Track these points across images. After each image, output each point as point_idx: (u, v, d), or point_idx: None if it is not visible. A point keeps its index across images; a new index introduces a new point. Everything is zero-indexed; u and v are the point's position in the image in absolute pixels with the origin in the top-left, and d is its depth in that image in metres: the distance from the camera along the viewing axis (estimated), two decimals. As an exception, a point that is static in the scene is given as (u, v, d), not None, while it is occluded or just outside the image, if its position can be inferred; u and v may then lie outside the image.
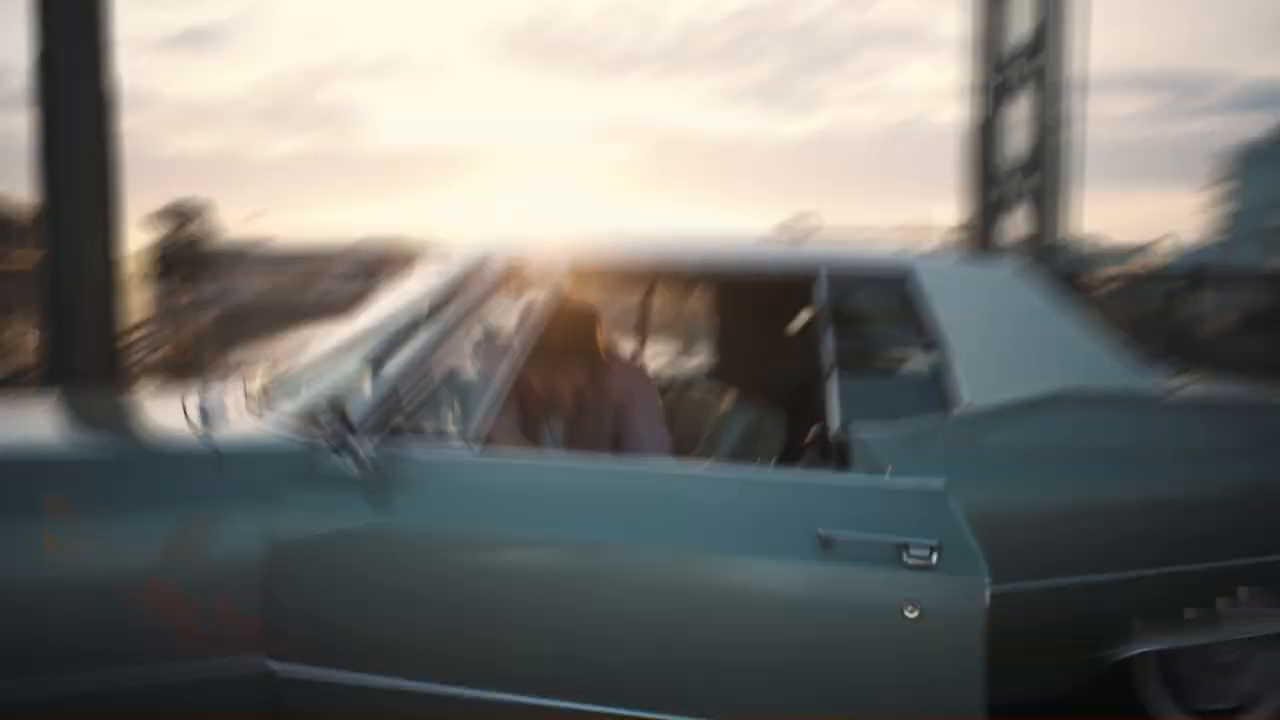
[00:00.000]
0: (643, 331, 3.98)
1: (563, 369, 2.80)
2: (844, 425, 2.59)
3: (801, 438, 2.78)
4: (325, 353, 2.80)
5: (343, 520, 2.21)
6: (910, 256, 2.91)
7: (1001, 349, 2.82)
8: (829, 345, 2.65)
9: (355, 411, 2.25)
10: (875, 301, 2.90)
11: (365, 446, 2.19)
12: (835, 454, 2.60)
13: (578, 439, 2.89)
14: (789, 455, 2.86)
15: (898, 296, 2.83)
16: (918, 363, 2.83)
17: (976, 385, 2.73)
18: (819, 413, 2.65)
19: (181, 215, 10.52)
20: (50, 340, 6.26)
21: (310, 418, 2.34)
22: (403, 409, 2.25)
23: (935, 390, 2.74)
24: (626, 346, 3.81)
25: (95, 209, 6.39)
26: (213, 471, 2.25)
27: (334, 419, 2.19)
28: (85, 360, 6.22)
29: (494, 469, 2.31)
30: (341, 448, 2.18)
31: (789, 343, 3.29)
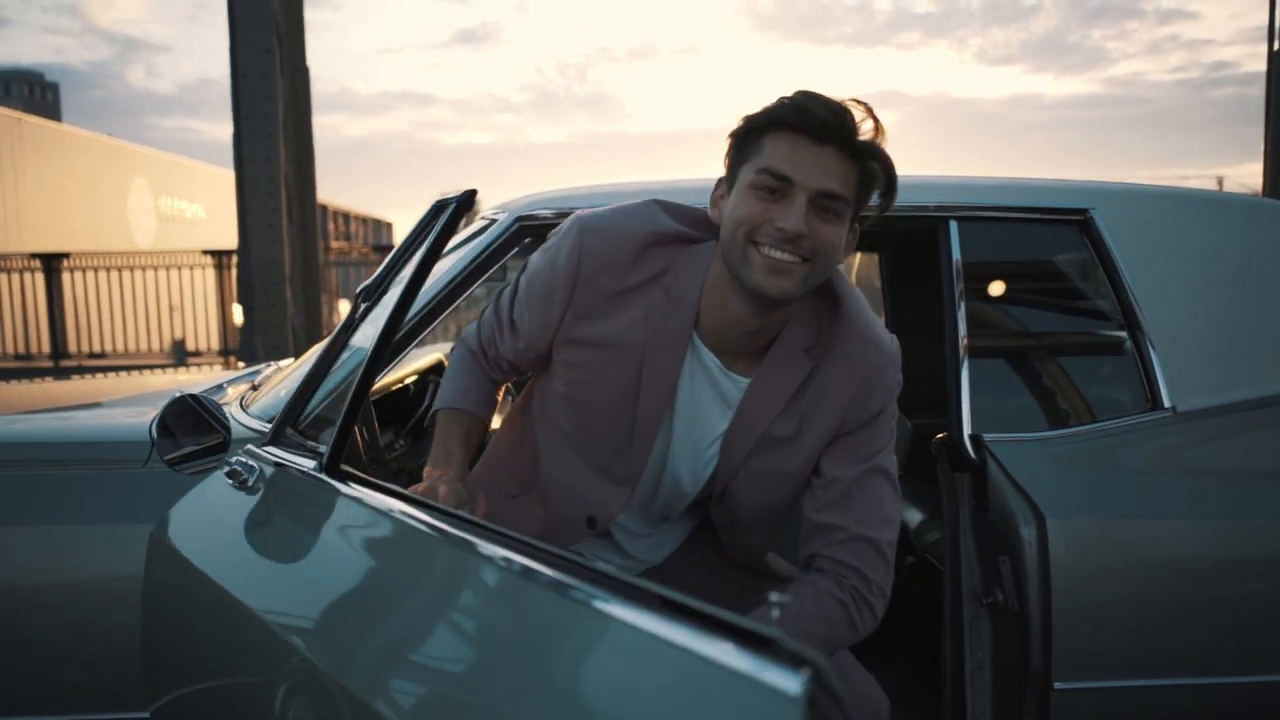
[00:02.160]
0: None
1: None
2: (975, 430, 1.83)
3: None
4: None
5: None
6: (1091, 186, 2.06)
7: (1225, 326, 1.93)
8: (959, 321, 1.89)
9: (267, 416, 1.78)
10: (1032, 254, 2.08)
11: (256, 457, 1.67)
12: (969, 467, 1.85)
13: None
14: (915, 464, 2.12)
15: (1067, 247, 2.00)
16: (1094, 341, 2.00)
17: (1183, 377, 1.86)
18: (953, 410, 1.90)
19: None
20: (246, 324, 6.36)
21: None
22: (300, 420, 1.73)
23: (1120, 383, 1.91)
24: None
25: (289, 204, 6.44)
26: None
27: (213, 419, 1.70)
28: (280, 342, 6.32)
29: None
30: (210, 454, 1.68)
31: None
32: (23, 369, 9.60)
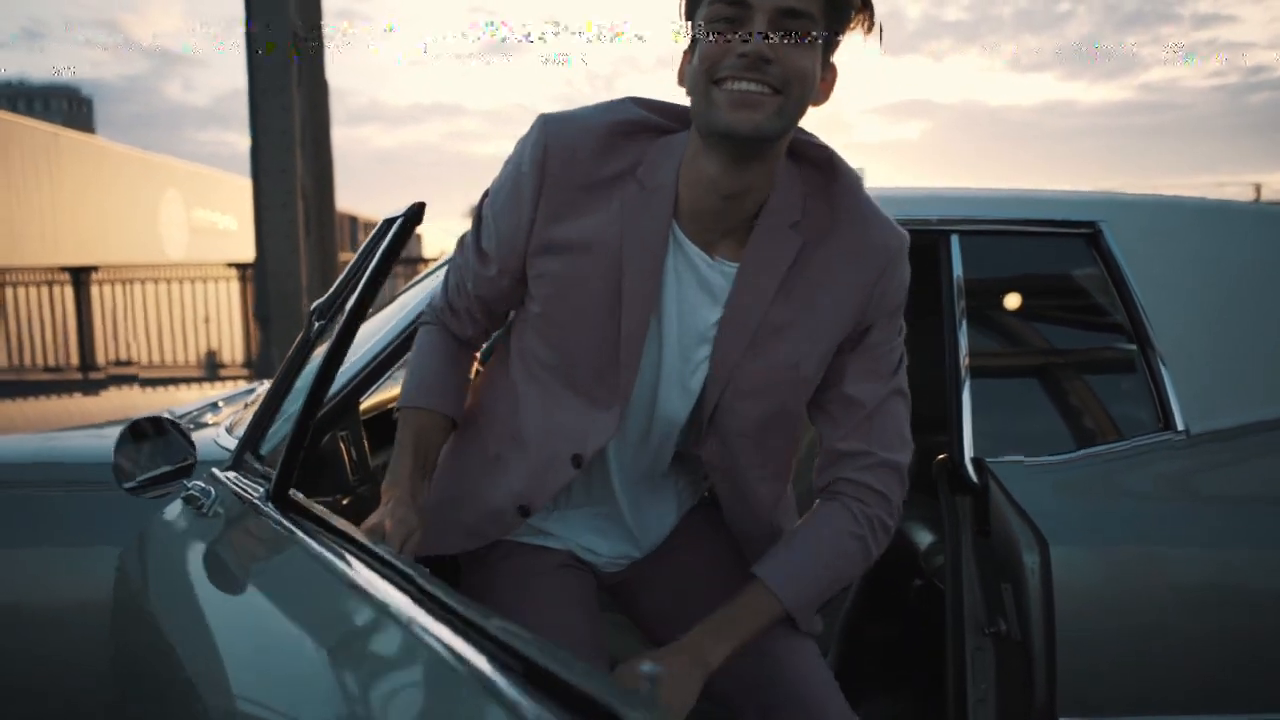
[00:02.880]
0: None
1: None
2: (977, 452, 1.75)
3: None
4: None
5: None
6: (1099, 197, 1.97)
7: (1242, 342, 1.84)
8: (960, 339, 1.82)
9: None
10: (1038, 269, 2.00)
11: (215, 482, 1.62)
12: (970, 490, 1.77)
13: None
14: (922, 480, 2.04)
15: (1076, 261, 1.92)
16: (1103, 359, 1.92)
17: (1197, 397, 1.78)
18: (953, 431, 1.83)
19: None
20: (263, 337, 6.36)
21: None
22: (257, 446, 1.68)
23: (1130, 403, 1.83)
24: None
25: (306, 217, 6.46)
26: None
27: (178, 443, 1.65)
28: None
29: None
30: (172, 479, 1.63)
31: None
32: (52, 381, 9.69)
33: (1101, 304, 1.90)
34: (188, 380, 9.63)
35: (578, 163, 1.32)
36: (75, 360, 9.98)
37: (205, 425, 2.12)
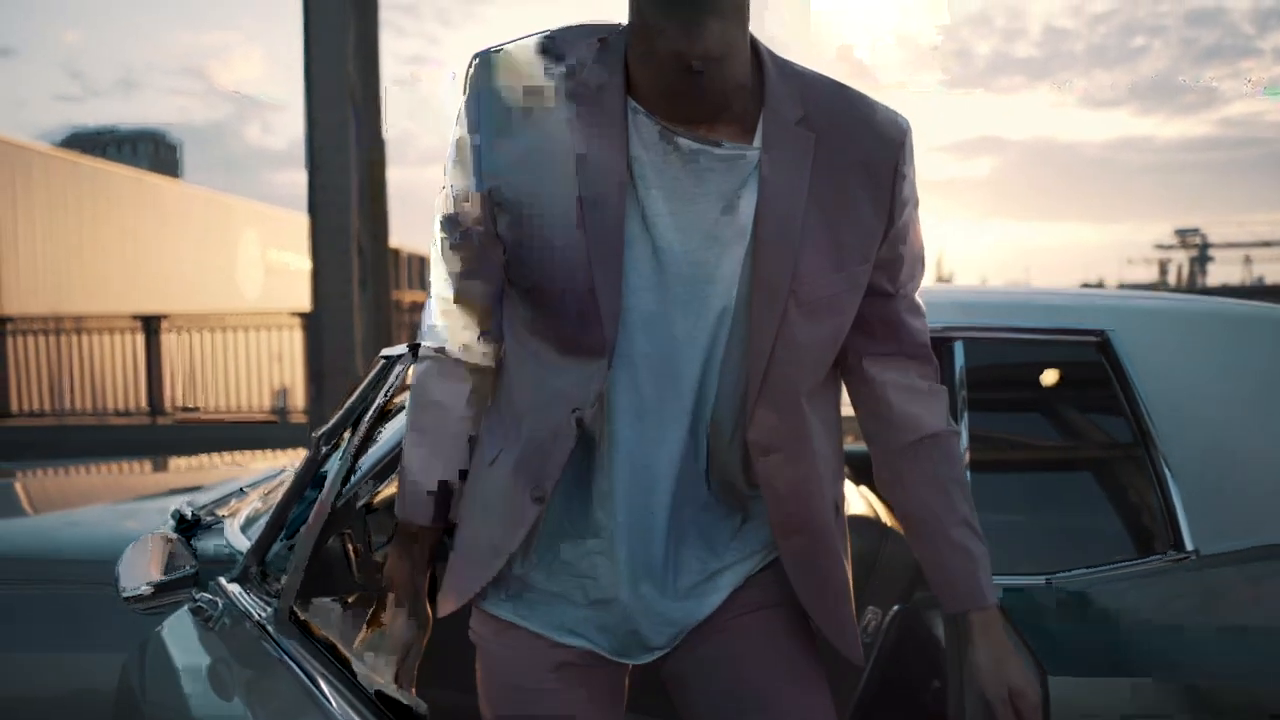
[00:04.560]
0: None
1: None
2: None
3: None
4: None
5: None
6: (1111, 303, 1.93)
7: (1259, 459, 1.78)
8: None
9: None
10: (1044, 377, 1.96)
11: (222, 594, 1.66)
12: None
13: None
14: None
15: (1085, 369, 1.88)
16: (1111, 472, 1.87)
17: (1208, 516, 1.72)
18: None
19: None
20: (314, 392, 6.48)
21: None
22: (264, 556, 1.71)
23: (1138, 520, 1.78)
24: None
25: (362, 273, 6.58)
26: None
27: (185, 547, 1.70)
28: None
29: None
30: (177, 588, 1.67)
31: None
32: (123, 425, 10.00)
33: (1110, 415, 1.86)
34: (252, 424, 9.87)
35: (511, 72, 1.21)
36: (145, 405, 10.29)
37: (221, 520, 2.16)
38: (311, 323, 6.78)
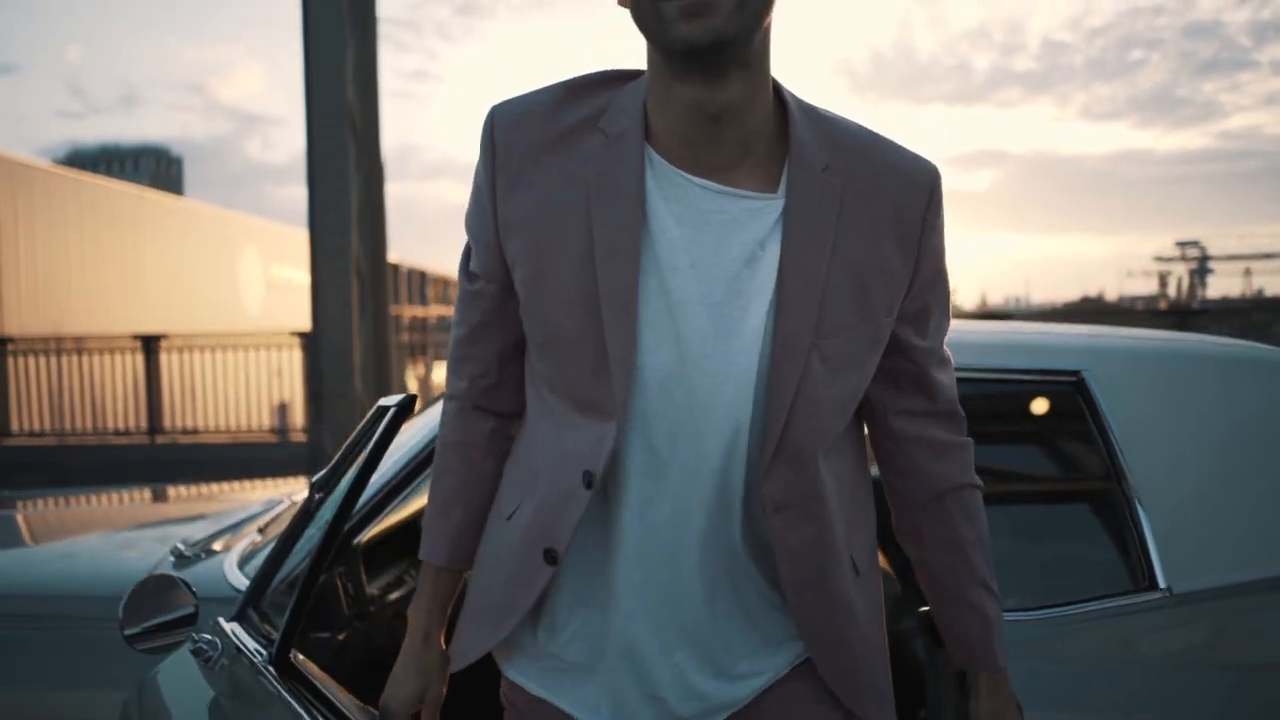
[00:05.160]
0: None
1: None
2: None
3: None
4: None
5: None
6: (1085, 343, 1.97)
7: (1232, 497, 1.82)
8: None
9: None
10: (1019, 416, 2.01)
11: (220, 634, 1.70)
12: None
13: None
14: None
15: (1061, 408, 1.93)
16: (1084, 510, 1.91)
17: (1181, 554, 1.76)
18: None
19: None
20: (314, 414, 6.53)
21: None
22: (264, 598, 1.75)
23: (1111, 558, 1.82)
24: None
25: (361, 296, 6.63)
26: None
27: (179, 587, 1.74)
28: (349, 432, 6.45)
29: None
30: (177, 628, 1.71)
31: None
32: (123, 445, 10.05)
33: (1084, 454, 1.90)
34: (251, 444, 9.91)
35: (527, 127, 1.18)
36: (144, 424, 10.33)
37: (218, 555, 2.20)
38: (310, 344, 6.84)
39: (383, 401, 1.55)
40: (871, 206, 1.16)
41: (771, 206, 1.14)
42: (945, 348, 1.30)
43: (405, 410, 1.50)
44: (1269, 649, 1.75)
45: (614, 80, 1.20)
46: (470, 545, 1.33)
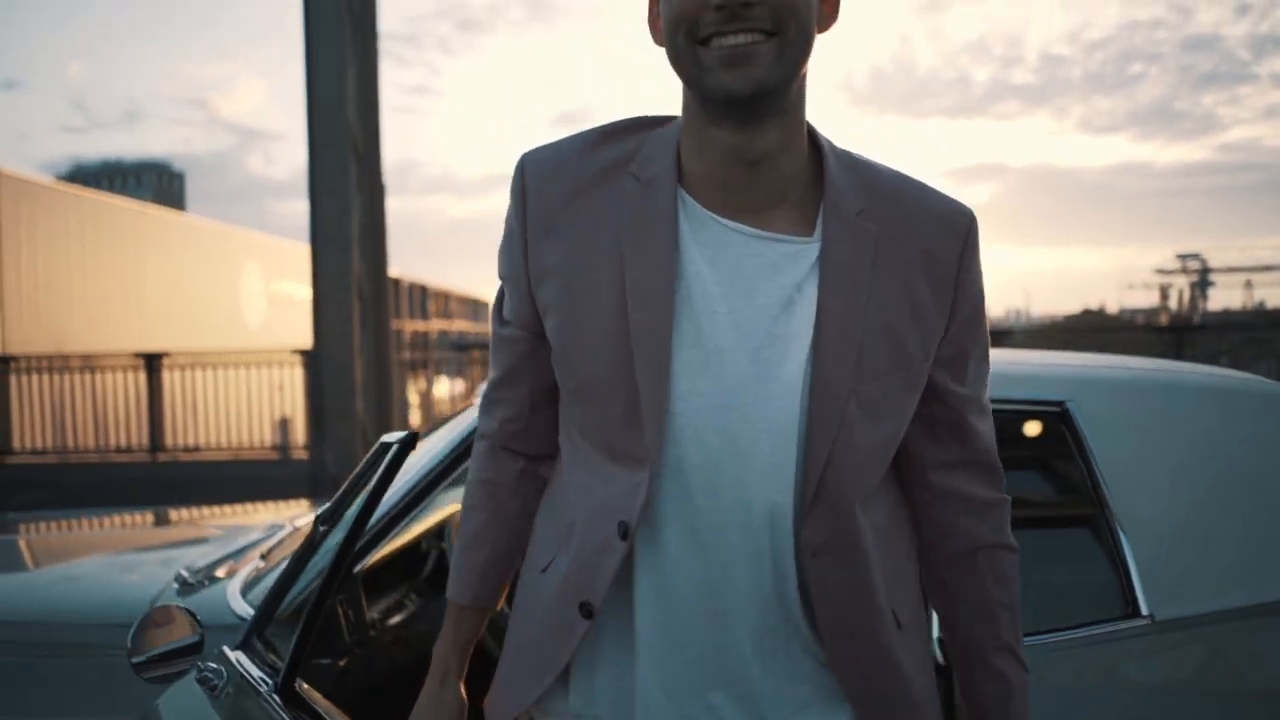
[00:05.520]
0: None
1: None
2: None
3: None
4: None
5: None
6: (1071, 373, 2.02)
7: (1214, 525, 1.86)
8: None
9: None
10: (1006, 448, 2.04)
11: (226, 662, 1.74)
12: (939, 671, 1.81)
13: None
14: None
15: (1047, 437, 1.97)
16: (1067, 538, 1.95)
17: (1164, 581, 1.80)
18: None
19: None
20: (315, 433, 6.56)
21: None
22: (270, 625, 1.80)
23: (1094, 586, 1.85)
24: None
25: (362, 315, 6.67)
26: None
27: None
28: (349, 450, 6.50)
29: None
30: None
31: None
32: (124, 463, 10.09)
33: (1068, 483, 1.94)
34: (253, 461, 9.95)
35: (558, 173, 1.18)
36: (146, 442, 10.38)
37: (221, 581, 2.24)
38: (313, 364, 6.90)
39: (385, 438, 1.60)
40: (906, 251, 1.16)
41: (807, 250, 1.14)
42: (986, 396, 1.27)
43: (407, 447, 1.55)
44: (1251, 676, 1.79)
45: (644, 125, 1.20)
46: (494, 584, 1.33)
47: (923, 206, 1.18)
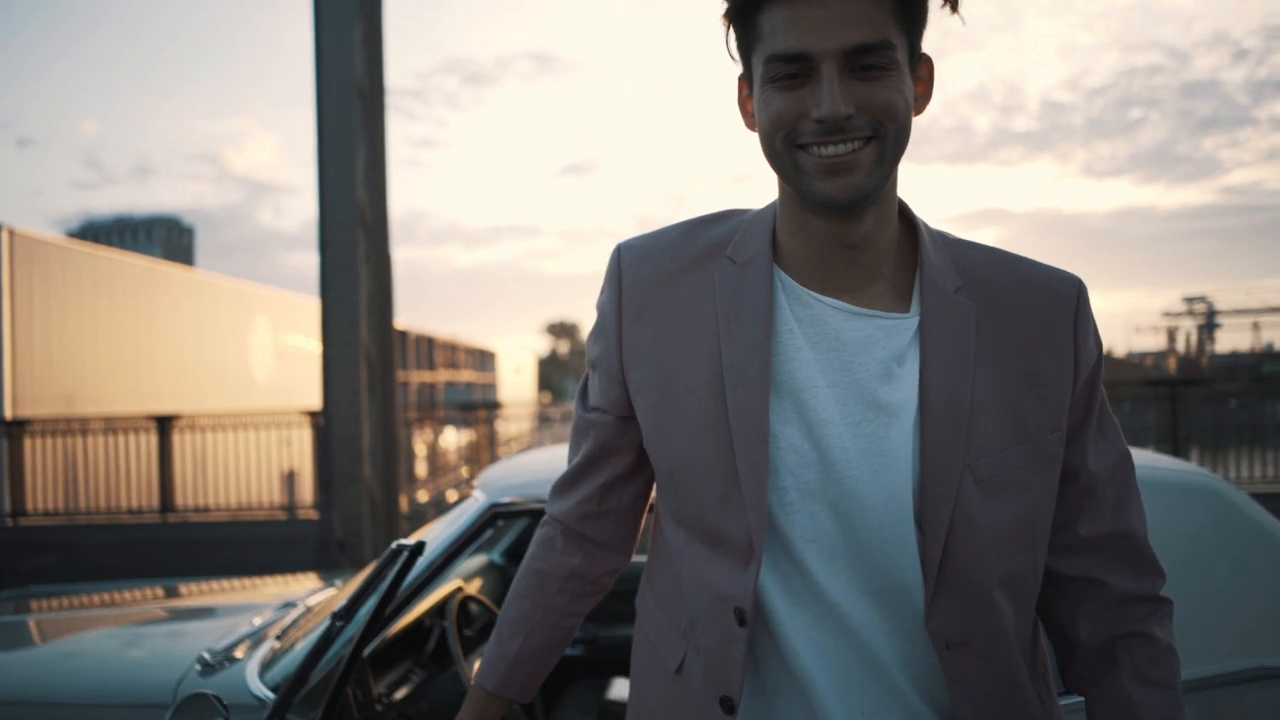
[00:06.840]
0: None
1: None
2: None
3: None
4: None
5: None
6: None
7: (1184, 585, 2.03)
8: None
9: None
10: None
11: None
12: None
13: None
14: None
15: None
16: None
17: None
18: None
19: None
20: (323, 500, 6.74)
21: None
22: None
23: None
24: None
25: (370, 383, 6.87)
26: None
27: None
28: (356, 514, 6.67)
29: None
30: None
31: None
32: (135, 524, 10.25)
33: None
34: (261, 521, 10.12)
35: (654, 258, 1.19)
36: (157, 503, 10.56)
37: (237, 660, 2.42)
38: (322, 433, 7.11)
39: (397, 543, 1.82)
40: (1011, 324, 1.13)
41: (905, 324, 1.13)
42: (1128, 477, 1.19)
43: (416, 553, 1.77)
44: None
45: (736, 213, 1.22)
46: (520, 679, 1.33)
47: (1022, 279, 1.16)
